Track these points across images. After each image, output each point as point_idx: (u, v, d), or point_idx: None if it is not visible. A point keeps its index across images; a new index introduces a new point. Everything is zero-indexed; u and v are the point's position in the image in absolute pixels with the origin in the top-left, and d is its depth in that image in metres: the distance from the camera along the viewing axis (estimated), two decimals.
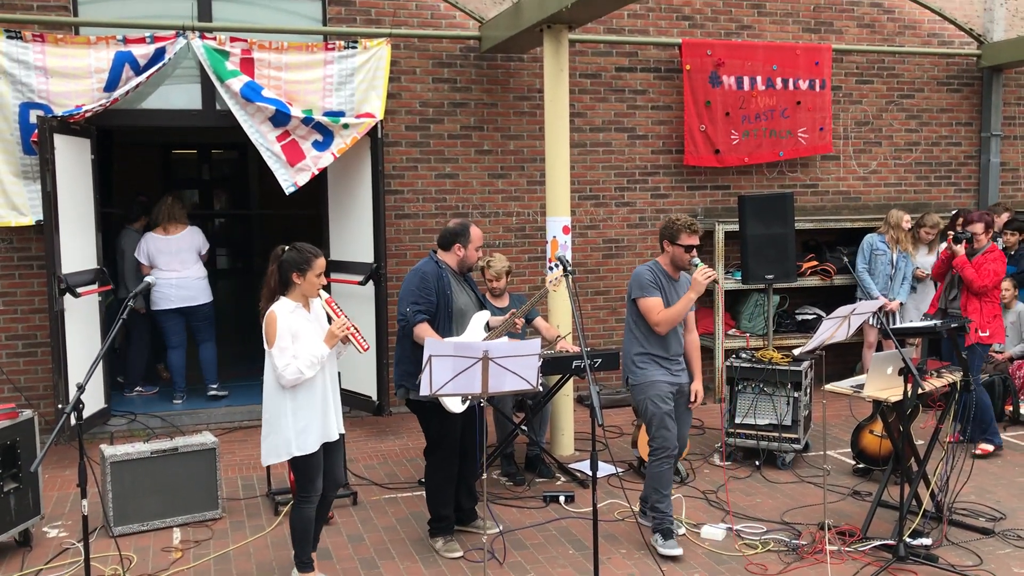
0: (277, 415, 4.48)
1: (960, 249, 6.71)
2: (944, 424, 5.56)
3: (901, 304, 8.38)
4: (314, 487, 4.59)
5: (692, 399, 5.39)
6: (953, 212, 8.76)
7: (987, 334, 6.72)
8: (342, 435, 4.73)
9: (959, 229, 6.87)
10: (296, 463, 4.55)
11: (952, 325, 5.76)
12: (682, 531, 5.43)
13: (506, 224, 8.61)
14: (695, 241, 5.17)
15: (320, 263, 4.48)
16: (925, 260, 8.57)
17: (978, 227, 6.77)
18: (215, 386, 8.37)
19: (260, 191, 14.47)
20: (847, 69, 9.51)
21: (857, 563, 4.97)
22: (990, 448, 6.84)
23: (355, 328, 4.55)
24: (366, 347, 4.61)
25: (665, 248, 5.26)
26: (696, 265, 5.09)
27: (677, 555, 5.05)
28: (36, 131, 6.88)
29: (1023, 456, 6.88)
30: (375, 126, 7.52)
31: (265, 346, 4.44)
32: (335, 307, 4.58)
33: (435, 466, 5.26)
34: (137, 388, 8.66)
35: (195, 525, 5.65)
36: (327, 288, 4.71)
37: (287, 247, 4.52)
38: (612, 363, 6.34)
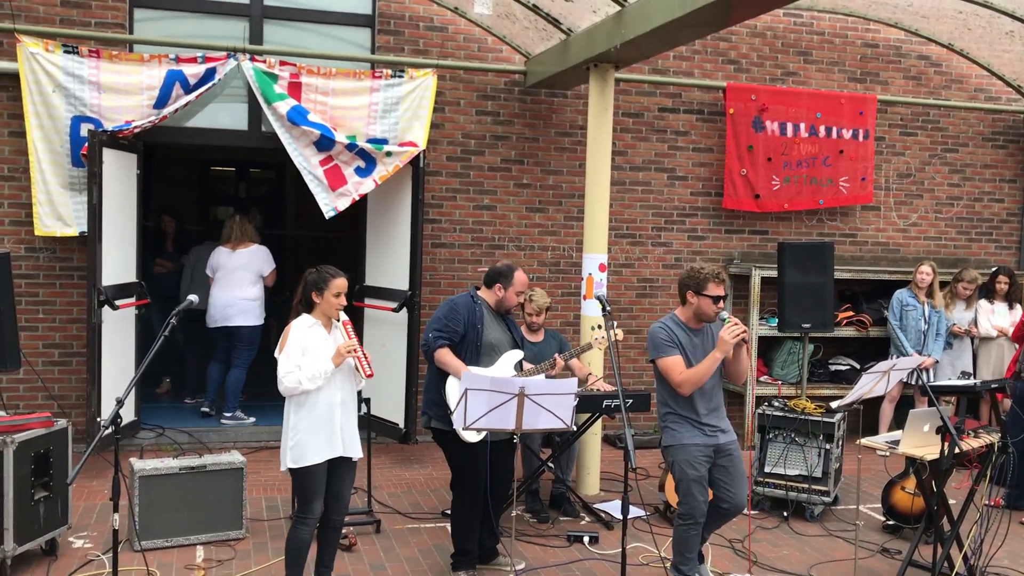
0: (285, 426, 4.63)
1: None
2: (980, 485, 5.46)
3: (936, 361, 8.25)
4: (310, 508, 4.61)
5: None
6: (993, 269, 8.68)
7: None
8: (353, 461, 4.72)
9: None
10: (294, 478, 4.63)
11: (992, 386, 5.66)
12: None
13: (541, 258, 8.61)
14: (723, 292, 4.81)
15: (338, 283, 4.56)
16: (962, 316, 8.46)
17: None
18: (228, 415, 8.23)
19: (296, 212, 14.59)
20: (891, 120, 9.48)
21: None
22: None
23: (363, 353, 4.62)
24: (369, 373, 4.64)
25: (689, 299, 4.86)
26: (724, 320, 4.73)
27: None
28: (86, 144, 7.00)
29: None
30: (417, 155, 7.58)
31: (276, 354, 4.56)
32: (349, 330, 4.65)
33: (459, 498, 5.24)
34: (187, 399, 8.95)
35: (218, 544, 5.65)
36: (348, 311, 4.77)
37: (314, 268, 4.65)
38: (643, 404, 6.30)
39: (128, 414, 7.45)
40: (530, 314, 6.48)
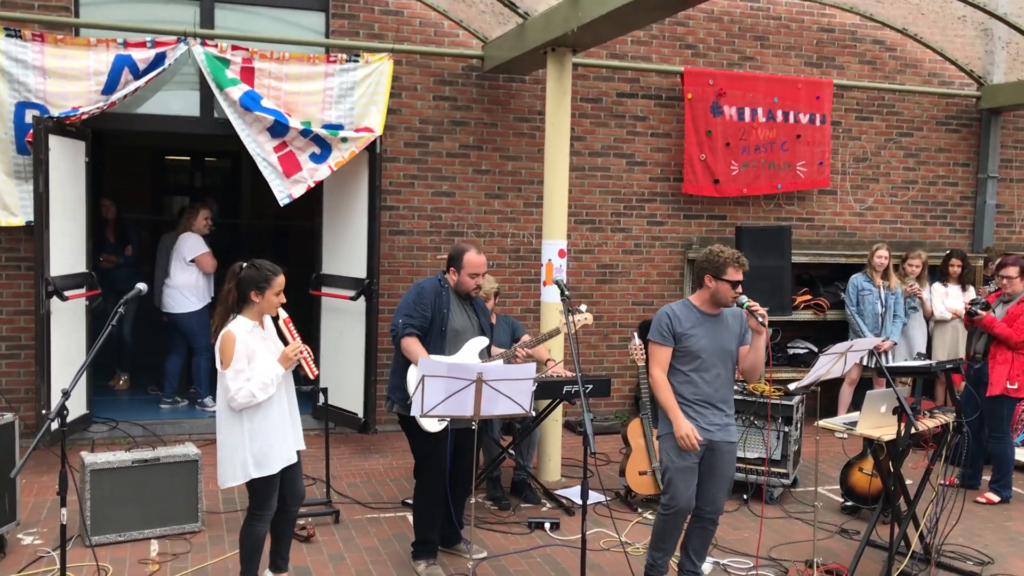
0: (233, 438, 4.36)
1: (981, 314, 6.48)
2: (936, 465, 5.52)
3: (895, 343, 8.35)
4: (268, 505, 4.51)
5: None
6: (947, 252, 8.78)
7: (1016, 386, 6.46)
8: (300, 451, 4.62)
9: (970, 306, 6.59)
10: (252, 483, 4.44)
11: (947, 367, 5.72)
12: None
13: (501, 245, 8.56)
14: (741, 276, 4.58)
15: (279, 281, 4.37)
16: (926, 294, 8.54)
17: (1012, 271, 6.48)
18: (202, 400, 8.21)
19: (252, 200, 14.40)
20: (847, 105, 9.54)
21: None
22: (995, 499, 6.67)
23: (308, 353, 4.46)
24: (315, 373, 4.50)
25: (707, 283, 4.62)
26: (742, 304, 4.56)
27: None
28: (31, 131, 6.81)
29: (1015, 502, 6.80)
30: (374, 141, 7.47)
31: (219, 366, 4.32)
32: (292, 329, 4.48)
33: (422, 487, 5.18)
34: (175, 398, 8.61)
35: (173, 538, 5.55)
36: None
37: (245, 264, 4.40)
38: (603, 390, 6.29)
39: (80, 407, 7.28)
40: None
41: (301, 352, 4.41)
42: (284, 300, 4.44)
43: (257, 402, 4.29)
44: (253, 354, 4.31)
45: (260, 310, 4.38)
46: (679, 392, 4.65)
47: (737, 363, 4.80)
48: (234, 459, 4.37)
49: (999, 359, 6.55)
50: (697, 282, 4.72)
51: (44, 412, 6.62)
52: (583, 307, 5.57)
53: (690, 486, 4.64)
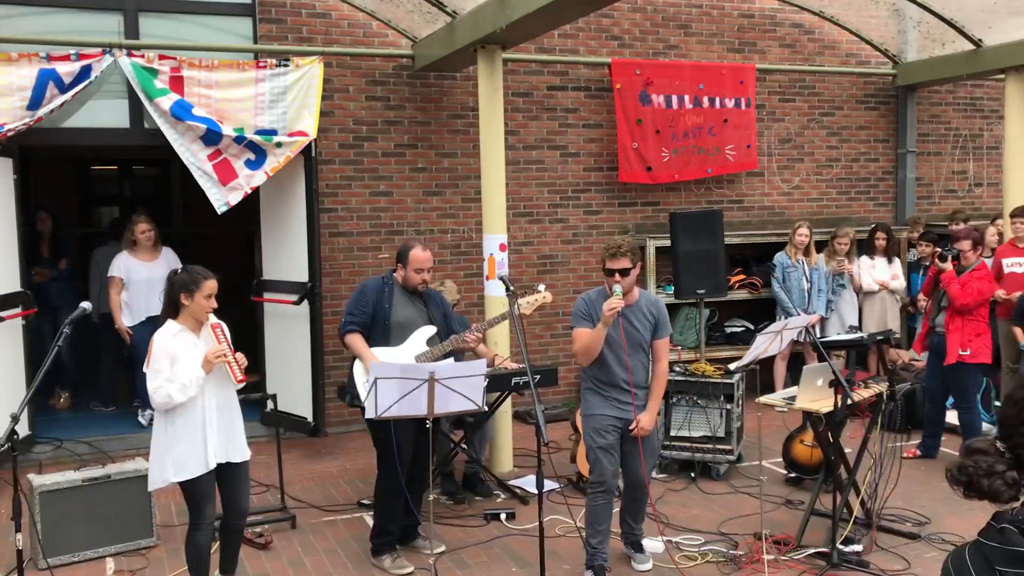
0: (158, 443, 4.45)
1: (948, 266, 6.73)
2: (872, 433, 5.76)
3: (822, 317, 8.63)
4: (202, 514, 4.52)
5: (631, 428, 4.94)
6: (872, 226, 9.10)
7: (967, 352, 6.71)
8: (240, 464, 4.60)
9: (944, 251, 6.84)
10: (182, 488, 4.50)
11: (878, 338, 5.95)
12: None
13: (441, 241, 8.62)
14: (617, 265, 4.78)
15: (209, 285, 4.40)
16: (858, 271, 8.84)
17: (965, 244, 6.73)
18: (143, 412, 8.14)
19: (184, 208, 14.22)
20: (770, 88, 9.80)
21: (793, 571, 5.12)
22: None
23: (234, 358, 4.47)
24: (240, 379, 4.50)
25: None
26: (616, 293, 4.73)
27: None
28: None
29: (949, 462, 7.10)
30: (309, 144, 7.47)
31: (144, 368, 4.42)
32: (219, 334, 4.49)
33: (379, 476, 5.31)
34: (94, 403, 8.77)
35: (129, 554, 5.52)
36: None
37: (179, 269, 4.49)
38: (551, 379, 6.42)
39: (22, 428, 7.14)
40: None
41: (224, 356, 4.41)
42: (215, 305, 4.45)
43: (175, 403, 4.31)
44: (176, 357, 4.34)
45: (191, 314, 4.41)
46: (594, 375, 5.00)
47: (649, 354, 5.08)
48: (161, 462, 4.43)
49: (951, 328, 6.80)
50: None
51: None
52: (541, 287, 5.71)
53: (613, 463, 5.00)
